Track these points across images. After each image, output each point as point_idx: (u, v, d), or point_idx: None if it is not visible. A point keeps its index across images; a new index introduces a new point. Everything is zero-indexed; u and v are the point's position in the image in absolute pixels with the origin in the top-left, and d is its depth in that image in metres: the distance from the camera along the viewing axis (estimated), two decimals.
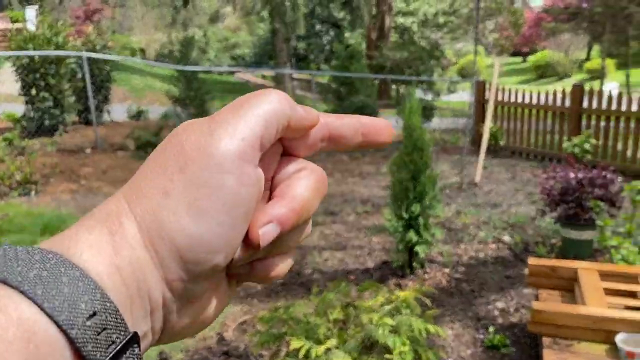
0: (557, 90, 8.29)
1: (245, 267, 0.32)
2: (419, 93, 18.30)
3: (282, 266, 0.33)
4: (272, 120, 0.30)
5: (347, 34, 21.64)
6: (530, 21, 26.52)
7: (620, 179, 4.26)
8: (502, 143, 8.66)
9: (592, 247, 4.32)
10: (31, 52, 8.05)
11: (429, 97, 18.26)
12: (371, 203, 6.11)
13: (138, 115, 11.16)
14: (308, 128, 0.33)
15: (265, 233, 0.30)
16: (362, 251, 4.65)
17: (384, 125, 0.36)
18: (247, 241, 0.30)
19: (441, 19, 20.72)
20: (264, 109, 0.30)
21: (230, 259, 0.30)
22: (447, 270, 4.14)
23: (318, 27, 23.82)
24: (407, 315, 2.68)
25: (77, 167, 7.51)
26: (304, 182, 0.32)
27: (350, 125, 0.35)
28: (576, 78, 22.62)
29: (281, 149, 0.34)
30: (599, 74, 17.54)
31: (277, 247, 0.32)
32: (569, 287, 3.15)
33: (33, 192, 6.44)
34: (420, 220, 3.79)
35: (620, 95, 7.33)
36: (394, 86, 18.96)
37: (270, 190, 0.33)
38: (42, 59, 8.27)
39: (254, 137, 0.29)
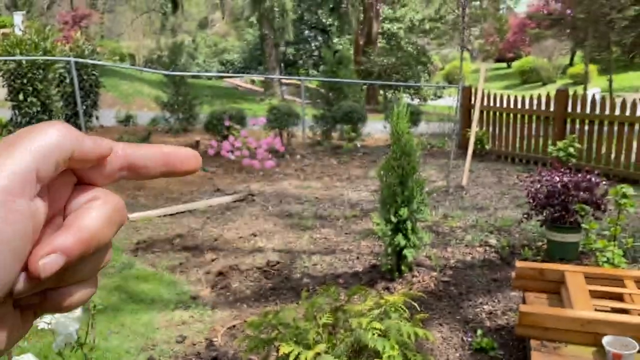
0: (542, 94, 8.40)
1: (35, 297, 0.32)
2: (406, 98, 18.45)
3: (79, 295, 0.33)
4: (49, 153, 0.30)
5: (335, 40, 21.74)
6: (514, 27, 26.82)
7: (604, 182, 4.33)
8: (488, 147, 8.76)
9: (578, 249, 4.39)
10: (18, 57, 8.01)
11: (416, 102, 18.39)
12: (360, 207, 6.15)
13: (127, 120, 11.13)
14: (97, 160, 0.33)
15: (47, 264, 0.29)
16: (351, 255, 4.68)
17: (189, 155, 0.36)
18: (29, 272, 0.29)
19: (427, 25, 20.88)
20: (39, 143, 0.30)
21: (6, 292, 0.29)
22: (435, 273, 4.18)
23: (307, 32, 23.91)
24: (396, 319, 2.71)
25: None
26: (95, 212, 0.32)
27: (151, 155, 0.35)
28: (560, 83, 22.89)
29: (74, 178, 0.34)
30: (582, 79, 17.77)
31: (70, 276, 0.32)
32: (555, 289, 3.20)
33: None
34: (408, 224, 3.83)
35: (604, 100, 7.45)
36: (381, 91, 19.07)
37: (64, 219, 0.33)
38: (30, 64, 8.23)
39: (26, 170, 0.29)
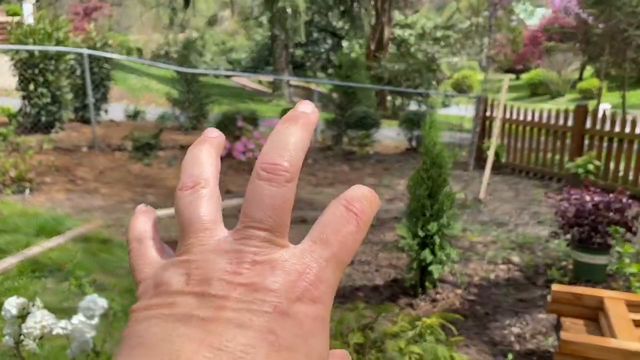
0: (552, 108, 8.27)
1: None
2: (413, 105, 18.32)
3: None
4: None
5: (344, 44, 21.62)
6: (525, 39, 26.71)
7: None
8: (503, 160, 8.61)
9: (605, 272, 4.25)
10: (31, 47, 7.86)
11: (423, 109, 18.26)
12: (376, 216, 6.00)
13: (135, 115, 10.99)
14: None
15: None
16: (369, 267, 4.54)
17: None
18: None
19: (438, 33, 20.75)
20: None
21: None
22: (459, 291, 4.04)
23: (316, 35, 23.77)
24: (432, 342, 2.57)
25: (73, 166, 7.32)
26: None
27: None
28: (569, 97, 22.77)
29: None
30: (594, 94, 17.65)
31: None
32: (593, 316, 3.06)
33: (27, 191, 6.25)
34: (436, 239, 3.69)
35: (624, 117, 7.32)
36: (389, 97, 18.94)
37: None
38: (42, 54, 8.09)
39: None
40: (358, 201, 0.31)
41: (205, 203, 0.31)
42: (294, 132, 0.31)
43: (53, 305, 3.57)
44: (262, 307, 0.26)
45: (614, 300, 2.99)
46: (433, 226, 3.63)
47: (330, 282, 0.29)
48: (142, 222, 0.35)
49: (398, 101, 18.73)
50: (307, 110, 0.33)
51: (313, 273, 0.28)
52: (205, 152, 0.34)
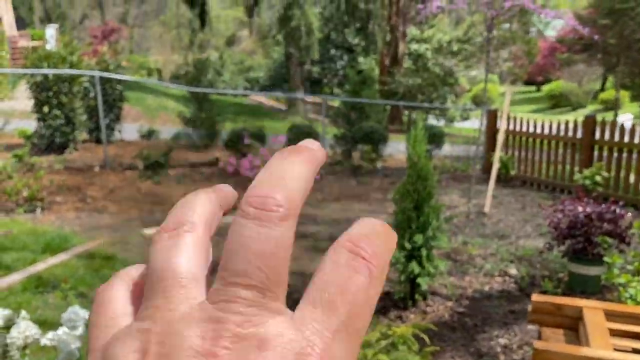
0: (571, 120, 8.20)
1: None
2: (431, 119, 18.31)
3: None
4: None
5: (361, 60, 21.78)
6: (544, 50, 26.55)
7: (629, 214, 4.16)
8: (513, 172, 8.56)
9: (600, 283, 4.21)
10: (44, 70, 8.15)
11: (442, 123, 18.24)
12: None
13: (149, 134, 11.22)
14: None
15: None
16: None
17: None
18: None
19: (455, 47, 20.77)
20: None
21: None
22: (450, 303, 4.04)
23: (333, 51, 23.99)
24: (404, 352, 2.59)
25: (84, 185, 7.52)
26: None
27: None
28: (590, 109, 22.49)
29: None
30: (613, 105, 17.43)
31: None
32: (573, 325, 3.04)
33: (39, 210, 6.45)
34: (423, 252, 3.71)
35: (633, 127, 7.23)
36: (406, 112, 18.98)
37: None
38: (56, 77, 8.38)
39: None
40: (367, 241, 0.23)
41: (187, 251, 0.24)
42: (294, 163, 0.25)
43: (54, 319, 3.69)
44: None
45: (592, 310, 2.97)
46: (419, 238, 3.66)
47: None
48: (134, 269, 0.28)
49: (414, 116, 18.75)
50: (313, 147, 0.27)
51: (317, 353, 0.21)
52: (203, 195, 0.27)
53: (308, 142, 0.27)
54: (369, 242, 0.23)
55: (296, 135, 9.24)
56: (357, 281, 0.22)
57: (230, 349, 0.20)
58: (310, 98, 19.97)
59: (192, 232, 0.25)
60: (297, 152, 0.25)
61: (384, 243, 0.24)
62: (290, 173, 0.24)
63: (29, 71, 8.18)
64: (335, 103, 15.91)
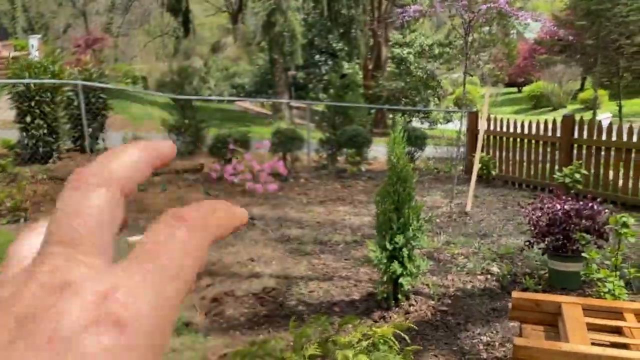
0: (548, 120, 8.34)
1: None
2: (415, 122, 18.44)
3: None
4: None
5: (345, 64, 21.91)
6: (524, 52, 26.86)
7: (606, 210, 4.25)
8: (494, 173, 8.67)
9: (580, 279, 4.29)
10: (26, 80, 8.12)
11: (426, 125, 18.37)
12: (361, 232, 6.08)
13: None
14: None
15: None
16: (349, 282, 4.61)
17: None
18: None
19: (437, 50, 20.96)
20: None
21: None
22: (432, 302, 4.09)
23: (317, 57, 24.08)
24: (385, 352, 2.63)
25: None
26: None
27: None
28: (570, 108, 22.79)
29: None
30: (592, 105, 17.70)
31: None
32: (553, 321, 3.11)
33: (22, 220, 6.41)
34: (405, 252, 3.76)
35: (610, 125, 7.37)
36: (390, 115, 19.10)
37: None
38: (38, 86, 8.34)
39: None
40: (191, 209, 0.25)
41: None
42: (126, 149, 0.27)
43: None
44: (34, 341, 0.20)
45: (571, 306, 3.04)
46: (400, 239, 3.71)
47: (152, 301, 0.22)
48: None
49: (397, 118, 18.87)
50: (158, 142, 0.29)
51: (123, 291, 0.22)
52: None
53: (158, 141, 0.29)
54: (190, 209, 0.25)
55: (280, 139, 9.27)
56: (174, 234, 0.24)
57: (35, 295, 0.22)
58: (295, 103, 20.03)
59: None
60: (135, 144, 0.28)
61: (212, 212, 0.26)
62: (117, 155, 0.26)
63: (11, 81, 8.14)
64: (320, 108, 15.98)
